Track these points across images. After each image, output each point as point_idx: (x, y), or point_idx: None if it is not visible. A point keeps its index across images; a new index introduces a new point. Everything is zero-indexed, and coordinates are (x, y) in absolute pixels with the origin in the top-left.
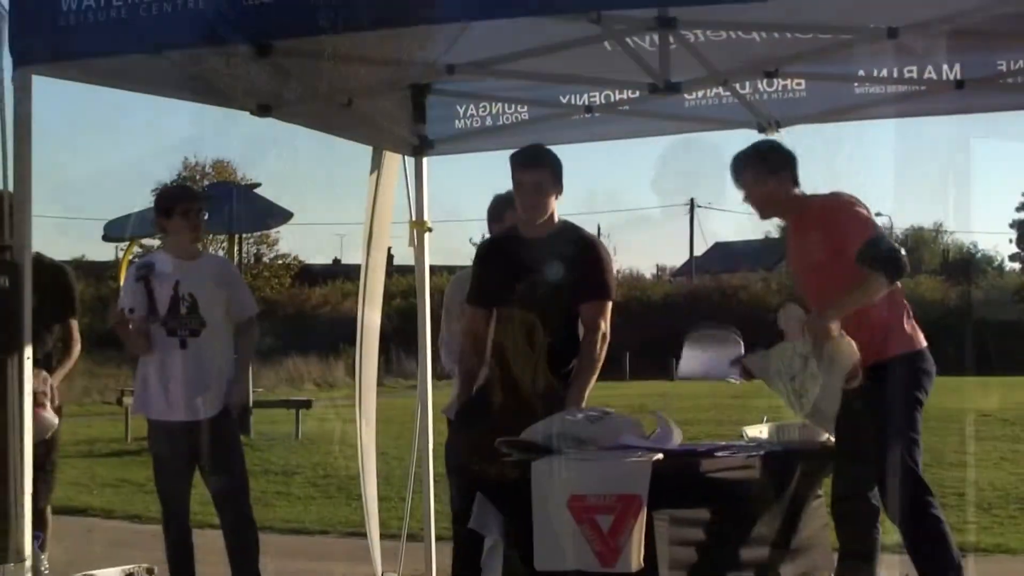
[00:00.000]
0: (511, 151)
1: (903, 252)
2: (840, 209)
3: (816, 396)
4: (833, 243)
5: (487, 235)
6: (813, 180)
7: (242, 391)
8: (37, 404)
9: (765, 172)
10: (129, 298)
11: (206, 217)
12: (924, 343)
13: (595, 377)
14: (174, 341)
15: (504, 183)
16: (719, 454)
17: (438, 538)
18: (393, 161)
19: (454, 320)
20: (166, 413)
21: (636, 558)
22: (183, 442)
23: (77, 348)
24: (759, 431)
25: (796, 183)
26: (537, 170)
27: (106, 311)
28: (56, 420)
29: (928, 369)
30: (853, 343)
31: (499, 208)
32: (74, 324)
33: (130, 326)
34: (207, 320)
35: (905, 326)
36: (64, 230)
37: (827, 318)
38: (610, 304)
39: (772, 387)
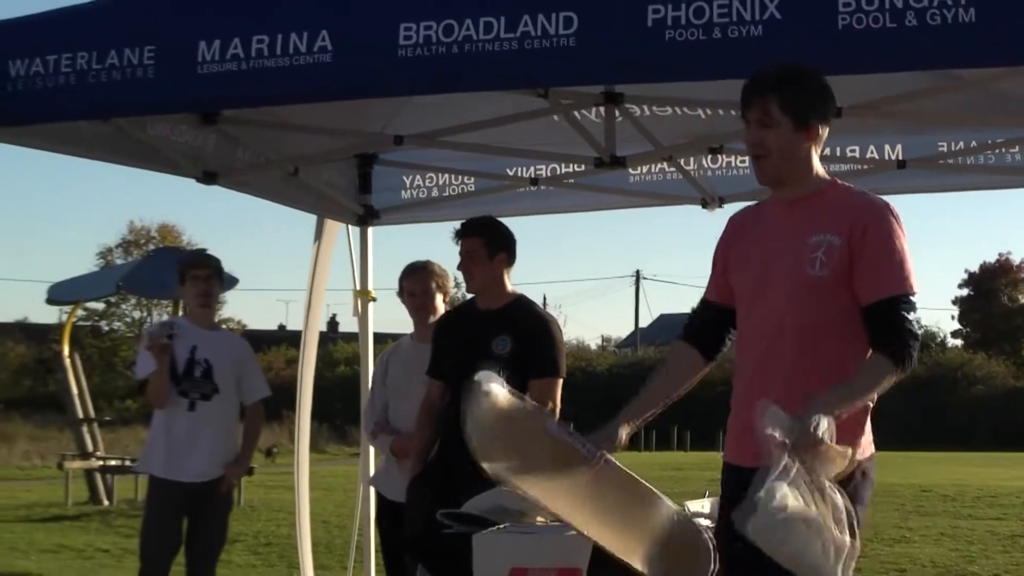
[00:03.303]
0: (457, 222)
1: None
2: (886, 223)
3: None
4: (849, 265)
5: None
6: None
7: (244, 466)
8: None
9: (802, 106)
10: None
11: (220, 284)
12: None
13: None
14: (184, 402)
15: (450, 253)
16: None
17: None
18: (331, 229)
19: (376, 393)
20: (167, 472)
21: None
22: (178, 502)
23: None
24: (701, 505)
25: (821, 143)
26: (468, 239)
27: (48, 374)
28: None
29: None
30: (847, 452)
31: (400, 282)
32: None
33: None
34: (220, 388)
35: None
36: (7, 292)
37: (818, 424)
38: (560, 382)
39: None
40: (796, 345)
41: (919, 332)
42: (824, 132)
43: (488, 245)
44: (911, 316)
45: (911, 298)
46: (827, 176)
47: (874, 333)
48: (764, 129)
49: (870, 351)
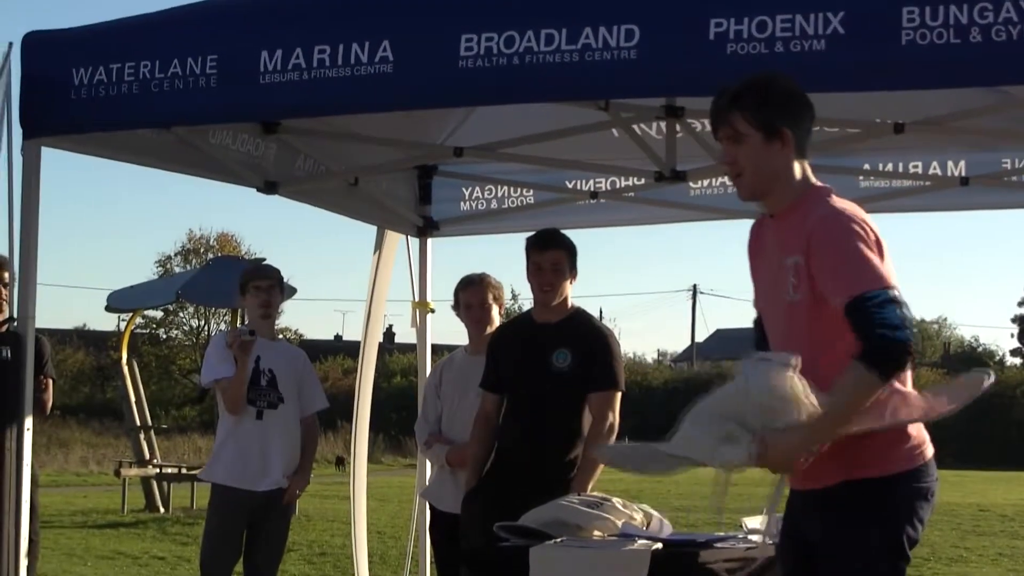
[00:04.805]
0: (516, 234)
1: (908, 326)
2: (830, 231)
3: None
4: (811, 284)
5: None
6: None
7: (306, 477)
8: None
9: (768, 114)
10: (226, 357)
11: (281, 294)
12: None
13: (601, 467)
14: (252, 411)
15: (508, 265)
16: (718, 545)
17: None
18: (392, 240)
19: (429, 404)
20: (236, 481)
21: None
22: (244, 511)
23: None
24: (759, 522)
25: (803, 154)
26: (555, 251)
27: (106, 381)
28: None
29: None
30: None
31: (455, 294)
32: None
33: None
34: (284, 397)
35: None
36: (66, 300)
37: (794, 445)
38: (619, 395)
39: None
40: (802, 368)
41: (900, 320)
42: (800, 136)
43: (570, 258)
44: (878, 311)
45: (876, 291)
46: (808, 183)
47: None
48: (736, 146)
49: None
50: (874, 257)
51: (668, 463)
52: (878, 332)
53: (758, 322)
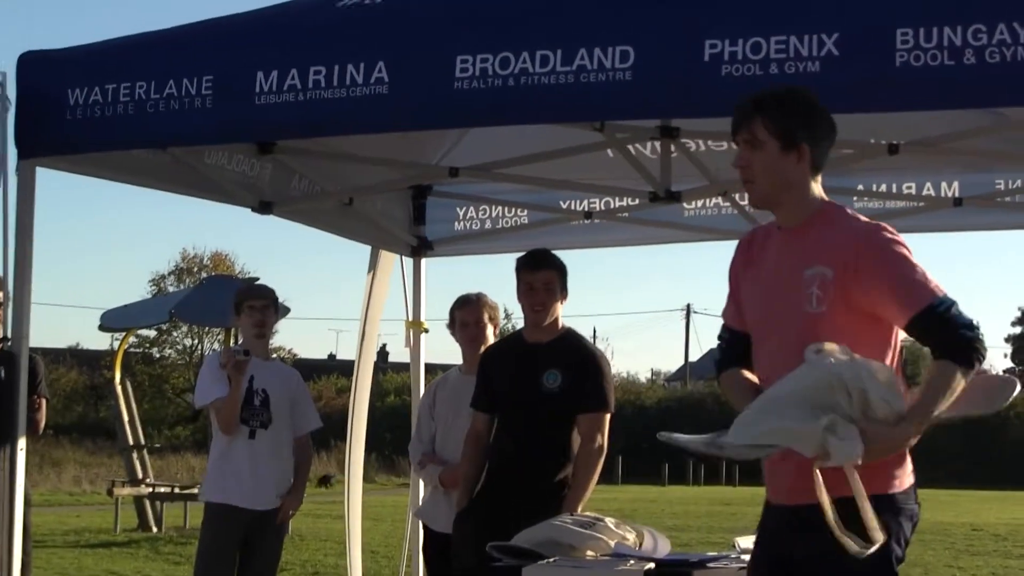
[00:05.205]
0: (510, 254)
1: (977, 325)
2: (880, 246)
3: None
4: (845, 297)
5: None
6: None
7: (299, 497)
8: None
9: (788, 125)
10: (220, 377)
11: (275, 314)
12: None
13: (591, 488)
14: (245, 430)
15: (502, 285)
16: (711, 565)
17: None
18: (386, 260)
19: (423, 423)
20: (229, 499)
21: None
22: (237, 530)
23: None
24: (751, 542)
25: (818, 171)
26: (546, 271)
27: (99, 401)
28: None
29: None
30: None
31: (451, 313)
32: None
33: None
34: (275, 417)
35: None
36: (59, 319)
37: (898, 439)
38: (608, 416)
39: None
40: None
41: (970, 320)
42: (817, 154)
43: (561, 279)
44: (953, 311)
45: (941, 299)
46: (823, 199)
47: (928, 346)
48: (752, 151)
49: (931, 361)
50: (924, 267)
51: (742, 453)
52: (961, 333)
53: (732, 340)
